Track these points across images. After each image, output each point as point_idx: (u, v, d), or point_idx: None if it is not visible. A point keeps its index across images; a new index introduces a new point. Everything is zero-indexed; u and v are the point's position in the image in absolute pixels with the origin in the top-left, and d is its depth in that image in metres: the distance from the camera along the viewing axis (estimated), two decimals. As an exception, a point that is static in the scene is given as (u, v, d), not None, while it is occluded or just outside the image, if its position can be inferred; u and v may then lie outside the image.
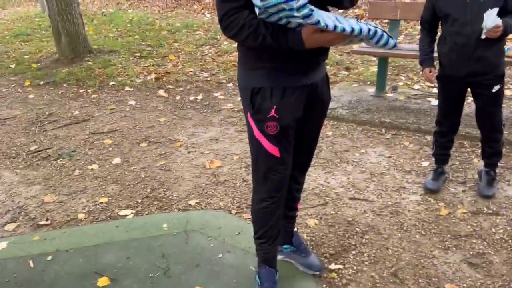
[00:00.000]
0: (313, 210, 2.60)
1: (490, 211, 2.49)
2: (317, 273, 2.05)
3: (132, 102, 4.66)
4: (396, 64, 5.16)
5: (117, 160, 3.38)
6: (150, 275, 2.12)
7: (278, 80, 1.55)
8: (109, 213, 2.70)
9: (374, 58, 5.08)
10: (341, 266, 2.13)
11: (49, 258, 2.29)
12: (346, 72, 5.14)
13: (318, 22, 1.33)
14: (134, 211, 2.70)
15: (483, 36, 2.21)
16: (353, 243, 2.30)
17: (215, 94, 4.74)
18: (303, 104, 1.62)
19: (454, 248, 2.22)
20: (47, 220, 2.67)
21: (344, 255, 2.21)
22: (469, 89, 2.50)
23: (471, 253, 2.18)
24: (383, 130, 3.61)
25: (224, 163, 3.24)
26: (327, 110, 1.79)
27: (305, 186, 2.80)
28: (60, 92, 5.13)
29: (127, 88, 5.11)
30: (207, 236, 2.39)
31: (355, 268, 2.12)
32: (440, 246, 2.24)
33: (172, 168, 3.22)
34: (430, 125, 3.45)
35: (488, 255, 2.16)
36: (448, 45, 2.37)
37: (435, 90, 3.45)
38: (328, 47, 1.60)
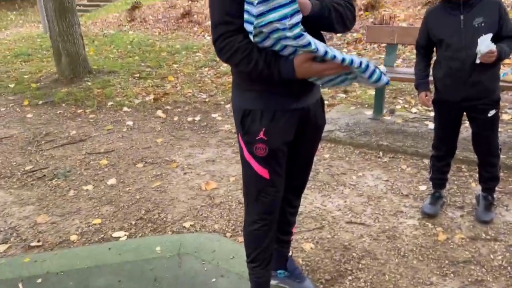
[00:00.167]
0: (309, 234, 2.57)
1: (489, 237, 2.45)
2: (312, 299, 2.01)
3: (130, 123, 4.66)
4: (394, 87, 5.19)
5: (112, 181, 3.35)
6: (141, 300, 2.07)
7: (269, 102, 1.55)
8: (102, 235, 2.66)
9: (372, 81, 5.10)
10: (337, 292, 2.08)
11: (39, 280, 2.25)
12: (343, 95, 5.16)
13: (309, 44, 1.33)
14: (127, 233, 2.66)
15: (477, 61, 2.23)
16: (350, 268, 2.25)
17: (213, 115, 4.74)
18: (294, 127, 1.61)
19: (452, 275, 2.18)
20: (38, 241, 2.62)
21: (340, 281, 2.16)
22: (465, 113, 2.50)
23: (470, 280, 2.14)
24: (381, 153, 3.60)
25: (220, 184, 3.22)
26: (321, 134, 1.78)
27: (301, 209, 2.78)
28: (58, 112, 5.13)
29: (125, 109, 5.12)
30: (201, 259, 2.35)
31: (351, 294, 2.07)
32: (438, 273, 2.20)
33: (168, 189, 3.19)
34: (427, 148, 3.43)
35: (486, 282, 2.12)
36: (443, 69, 2.38)
37: (433, 114, 3.46)
38: None
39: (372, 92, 4.81)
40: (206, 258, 2.35)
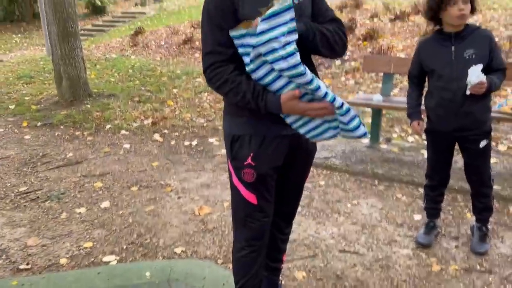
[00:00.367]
0: (302, 262, 2.53)
1: (483, 269, 2.42)
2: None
3: (127, 146, 4.66)
4: (391, 116, 5.22)
5: (105, 204, 3.33)
6: (127, 327, 2.03)
7: (258, 128, 1.56)
8: (92, 259, 2.63)
9: (369, 110, 5.15)
10: (327, 323, 2.04)
11: (25, 305, 2.20)
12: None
13: (299, 64, 1.35)
14: (118, 257, 2.63)
15: (468, 92, 2.25)
16: (341, 299, 2.21)
17: (210, 140, 4.76)
18: (283, 153, 1.62)
19: (445, 307, 2.14)
20: (27, 264, 2.58)
21: (331, 311, 2.12)
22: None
23: (463, 312, 2.10)
24: (376, 182, 3.59)
25: (214, 210, 3.19)
26: (312, 160, 1.78)
27: (295, 236, 2.75)
28: (56, 134, 5.15)
29: (123, 132, 5.14)
30: (190, 286, 2.31)
31: (342, 325, 2.03)
32: (431, 304, 2.16)
33: (161, 213, 3.17)
34: (423, 177, 3.40)
35: (481, 315, 2.08)
36: (435, 99, 2.41)
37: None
38: None
39: (368, 120, 4.84)
40: (196, 285, 2.31)
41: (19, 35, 17.20)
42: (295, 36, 1.36)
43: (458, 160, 2.90)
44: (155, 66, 8.92)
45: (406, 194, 3.36)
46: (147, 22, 14.19)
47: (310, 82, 1.39)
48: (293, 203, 1.86)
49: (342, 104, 1.43)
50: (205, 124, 5.35)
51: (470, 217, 2.94)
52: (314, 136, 1.56)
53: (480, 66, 2.19)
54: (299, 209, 2.89)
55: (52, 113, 5.94)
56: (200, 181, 3.70)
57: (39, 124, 5.55)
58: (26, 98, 6.91)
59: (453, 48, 2.30)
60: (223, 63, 1.45)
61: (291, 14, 1.34)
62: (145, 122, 5.47)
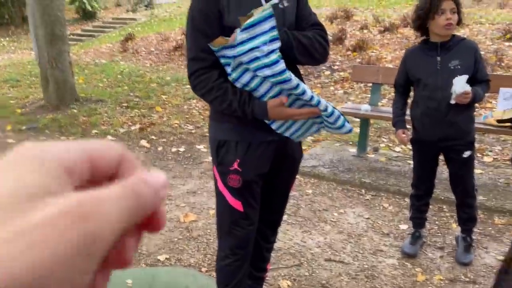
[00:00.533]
0: (287, 270, 2.50)
1: (467, 279, 2.41)
2: None
3: None
4: (378, 126, 5.24)
5: (89, 210, 3.26)
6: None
7: (244, 134, 1.54)
8: (73, 266, 2.56)
9: (357, 119, 5.17)
10: (311, 333, 2.01)
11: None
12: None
13: (284, 71, 1.34)
14: (99, 265, 2.56)
15: (452, 101, 2.26)
16: (326, 308, 2.19)
17: (198, 147, 4.72)
18: (270, 159, 1.60)
19: (430, 318, 2.12)
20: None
21: (315, 321, 2.09)
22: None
23: (448, 323, 2.09)
24: (363, 191, 3.59)
25: (199, 217, 3.15)
26: (298, 167, 1.77)
27: (280, 244, 2.72)
28: (40, 138, 5.07)
29: (109, 137, 5.08)
30: (173, 294, 2.26)
31: (326, 335, 2.00)
32: (416, 315, 2.14)
33: (145, 220, 3.11)
34: (409, 187, 3.42)
35: (465, 326, 2.07)
36: (421, 109, 2.42)
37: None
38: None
39: (356, 130, 4.85)
40: (179, 293, 2.27)
41: (7, 39, 17.02)
42: (278, 44, 1.35)
43: (443, 171, 2.91)
44: (145, 72, 8.88)
45: (393, 203, 3.36)
46: (138, 28, 14.15)
47: (296, 87, 1.38)
48: (278, 211, 1.84)
49: (327, 106, 1.44)
50: (193, 131, 5.31)
51: (455, 228, 2.95)
52: (300, 136, 1.56)
53: (465, 77, 2.21)
54: (286, 217, 2.88)
55: (38, 117, 5.85)
56: (186, 188, 3.66)
57: (23, 128, 5.46)
58: (12, 101, 6.81)
59: (438, 58, 2.32)
60: (207, 69, 1.44)
61: (271, 22, 1.32)
62: (133, 127, 5.41)
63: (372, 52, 7.82)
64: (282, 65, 1.34)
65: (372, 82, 4.34)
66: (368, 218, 3.13)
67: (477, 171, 3.35)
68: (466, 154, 2.40)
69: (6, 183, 0.20)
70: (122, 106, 6.41)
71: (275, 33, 1.33)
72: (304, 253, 2.69)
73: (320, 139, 4.92)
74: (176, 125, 5.55)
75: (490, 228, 2.94)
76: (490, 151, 4.30)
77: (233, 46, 1.35)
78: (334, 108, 1.46)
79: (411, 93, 2.58)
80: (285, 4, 1.48)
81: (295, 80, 1.37)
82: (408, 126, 2.58)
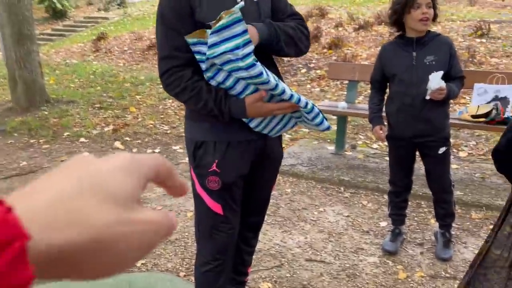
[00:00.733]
0: (268, 272, 2.45)
1: (448, 275, 2.41)
2: None
3: (86, 154, 4.45)
4: (356, 123, 5.25)
5: (61, 215, 3.14)
6: None
7: (222, 134, 1.48)
8: (44, 275, 2.45)
9: (334, 117, 5.17)
10: (294, 337, 1.96)
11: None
12: (306, 130, 5.18)
13: (261, 73, 1.29)
14: (72, 273, 2.46)
15: (427, 97, 2.26)
16: (308, 310, 2.14)
17: (174, 148, 4.62)
18: (249, 160, 1.54)
19: (412, 315, 2.11)
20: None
21: (298, 324, 2.05)
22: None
23: (430, 320, 2.07)
24: (342, 189, 3.57)
25: (176, 220, 3.06)
26: (278, 168, 1.71)
27: (260, 245, 2.67)
28: (9, 142, 4.87)
29: (82, 139, 4.92)
30: (150, 301, 2.18)
31: (309, 338, 1.95)
32: (398, 313, 2.12)
33: (120, 225, 3.01)
34: (388, 184, 3.44)
35: (447, 323, 2.06)
36: (396, 105, 2.41)
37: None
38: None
39: (334, 127, 4.85)
40: (156, 300, 2.18)
41: (-27, 39, 16.42)
42: (251, 47, 1.30)
43: (421, 167, 2.91)
44: (118, 72, 8.68)
45: (372, 201, 3.35)
46: (111, 27, 13.85)
47: (275, 88, 1.34)
48: (259, 214, 1.78)
49: (307, 103, 1.41)
50: (168, 131, 5.21)
51: (434, 223, 2.96)
52: (278, 131, 1.53)
53: (440, 73, 2.21)
54: (265, 217, 2.83)
55: (5, 120, 5.63)
56: (162, 190, 3.55)
57: (-10, 131, 5.24)
58: (-22, 104, 6.55)
59: (414, 53, 2.31)
60: (179, 68, 1.37)
61: (241, 26, 1.27)
62: (106, 129, 5.27)
63: (348, 49, 7.86)
64: (258, 68, 1.29)
65: (349, 80, 4.33)
66: (348, 216, 3.11)
67: (453, 166, 3.37)
68: (442, 150, 2.40)
69: (125, 186, 0.31)
70: (94, 107, 6.23)
71: (247, 36, 1.28)
72: (284, 253, 2.64)
73: (298, 137, 4.90)
74: (151, 125, 5.43)
75: (468, 223, 2.96)
76: (465, 146, 4.36)
77: (206, 44, 1.29)
78: (314, 105, 1.42)
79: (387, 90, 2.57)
80: None
81: (273, 80, 1.32)
82: (384, 123, 2.57)
